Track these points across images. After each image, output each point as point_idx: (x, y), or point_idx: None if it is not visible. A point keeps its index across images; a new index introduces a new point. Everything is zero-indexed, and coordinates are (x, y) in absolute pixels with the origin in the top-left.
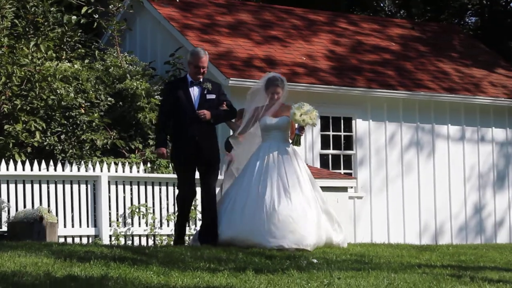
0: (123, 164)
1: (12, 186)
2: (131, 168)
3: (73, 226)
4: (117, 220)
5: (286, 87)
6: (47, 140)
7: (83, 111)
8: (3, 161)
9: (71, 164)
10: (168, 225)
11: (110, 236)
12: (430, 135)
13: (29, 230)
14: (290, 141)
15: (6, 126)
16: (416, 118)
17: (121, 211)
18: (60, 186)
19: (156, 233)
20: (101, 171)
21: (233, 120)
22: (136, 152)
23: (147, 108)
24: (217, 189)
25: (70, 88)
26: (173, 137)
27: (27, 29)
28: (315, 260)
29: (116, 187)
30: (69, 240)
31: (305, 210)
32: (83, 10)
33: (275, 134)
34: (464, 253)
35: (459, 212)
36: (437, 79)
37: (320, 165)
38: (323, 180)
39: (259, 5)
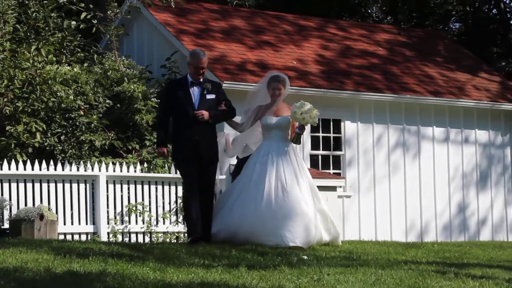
0: (121, 164)
1: (13, 185)
2: (128, 168)
3: (72, 224)
4: (115, 218)
5: (288, 86)
6: (48, 141)
7: (82, 113)
8: (5, 161)
9: (70, 164)
10: (164, 223)
11: (108, 234)
12: (416, 137)
13: (30, 227)
14: (291, 140)
15: (8, 127)
16: (402, 120)
17: (118, 209)
18: (60, 185)
19: (152, 231)
20: (100, 170)
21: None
22: (133, 153)
23: (143, 110)
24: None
25: (70, 90)
26: (172, 136)
27: (28, 34)
28: (305, 257)
29: (114, 186)
30: (69, 237)
31: (302, 210)
32: (83, 15)
33: (275, 133)
34: (448, 250)
35: (444, 211)
36: (423, 82)
37: (310, 165)
38: (313, 179)
39: (251, 11)
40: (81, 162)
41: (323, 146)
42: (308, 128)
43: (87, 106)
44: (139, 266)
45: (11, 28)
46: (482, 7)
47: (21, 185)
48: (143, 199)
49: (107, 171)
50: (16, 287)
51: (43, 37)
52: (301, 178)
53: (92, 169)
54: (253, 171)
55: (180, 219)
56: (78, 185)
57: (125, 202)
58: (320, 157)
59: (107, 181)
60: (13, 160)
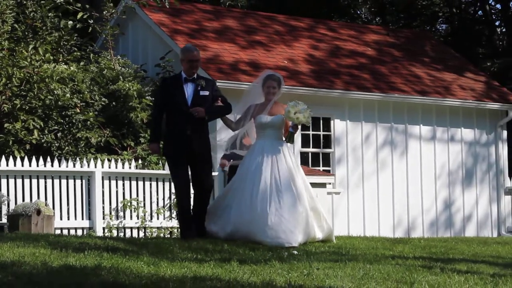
0: (116, 161)
1: (11, 181)
2: (123, 164)
3: (68, 219)
4: (110, 213)
5: (282, 85)
6: (45, 138)
7: (78, 110)
8: (3, 157)
9: (67, 160)
10: (158, 218)
11: (104, 228)
12: (403, 135)
13: (28, 222)
14: (284, 138)
15: (6, 125)
16: (390, 119)
17: (113, 205)
18: (56, 181)
19: (147, 226)
20: (95, 167)
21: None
22: (128, 150)
23: (138, 108)
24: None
25: (67, 89)
26: (165, 132)
27: (26, 33)
28: (295, 252)
29: (109, 182)
30: (65, 232)
31: (297, 210)
32: (79, 15)
33: (269, 132)
34: (434, 245)
35: (430, 207)
36: (410, 82)
37: (301, 162)
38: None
39: (244, 11)
40: (77, 158)
41: (313, 144)
42: (299, 126)
43: (83, 104)
44: (133, 260)
45: (9, 27)
46: (468, 9)
47: (19, 181)
48: (137, 195)
49: (102, 167)
50: (14, 281)
51: (40, 37)
52: (296, 177)
53: (88, 165)
54: (248, 172)
55: (173, 215)
56: (74, 181)
57: (120, 198)
58: (310, 154)
59: (102, 177)
60: (11, 157)
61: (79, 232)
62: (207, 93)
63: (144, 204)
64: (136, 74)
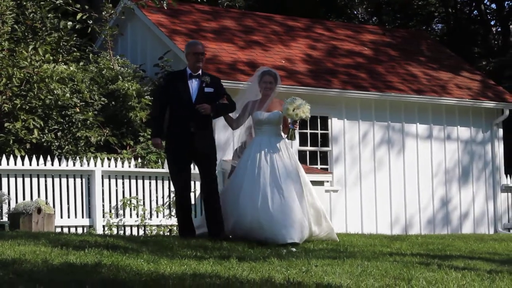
0: (116, 160)
1: (12, 179)
2: (123, 163)
3: (69, 217)
4: (110, 211)
5: (279, 81)
6: (45, 137)
7: (78, 110)
8: (4, 156)
9: (67, 159)
10: (157, 216)
11: (103, 226)
12: (400, 134)
13: (28, 220)
14: (283, 134)
15: (6, 124)
16: (387, 118)
17: (113, 203)
18: (57, 180)
19: (146, 224)
20: (95, 166)
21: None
22: (128, 148)
23: (137, 107)
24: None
25: (66, 88)
26: (168, 128)
27: (26, 34)
28: (294, 249)
29: (109, 180)
30: (65, 230)
31: (296, 205)
32: (78, 16)
33: (266, 128)
34: (432, 242)
35: (427, 205)
36: (407, 81)
37: (299, 161)
38: None
39: (241, 12)
40: (77, 157)
41: (311, 142)
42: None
43: (83, 103)
44: (133, 258)
45: (9, 28)
46: (464, 9)
47: (19, 179)
48: (137, 193)
49: (102, 166)
50: (15, 279)
51: (40, 37)
52: (294, 174)
53: (88, 164)
54: (245, 169)
55: (173, 213)
56: (75, 180)
57: (120, 196)
58: (308, 153)
59: (102, 176)
60: (11, 156)
61: (80, 230)
62: (212, 90)
63: (144, 202)
64: (135, 74)
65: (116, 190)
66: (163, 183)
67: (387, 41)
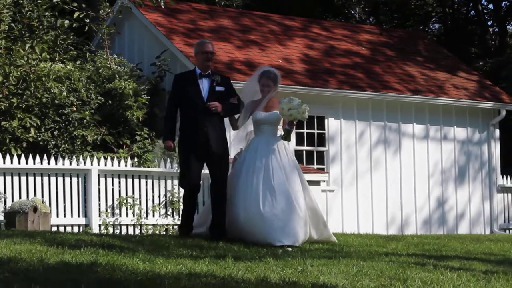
0: (112, 159)
1: (8, 178)
2: (119, 162)
3: (65, 216)
4: (106, 210)
5: (279, 81)
6: (41, 136)
7: (75, 109)
8: (0, 155)
9: (63, 158)
10: (153, 216)
11: (100, 226)
12: (396, 134)
13: (24, 219)
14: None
15: (3, 123)
16: (384, 118)
17: (109, 202)
18: (53, 179)
19: (142, 223)
20: (91, 164)
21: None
22: (124, 147)
23: (134, 106)
24: None
25: (63, 87)
26: (181, 129)
27: (23, 32)
28: (289, 249)
29: (105, 179)
30: (61, 229)
31: (292, 209)
32: (75, 15)
33: (265, 128)
34: (428, 243)
35: (424, 205)
36: (403, 81)
37: None
38: None
39: (238, 11)
40: (74, 156)
41: (307, 142)
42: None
43: (80, 102)
44: (129, 257)
45: (6, 26)
46: (461, 9)
47: (16, 178)
48: (133, 193)
49: (98, 165)
50: (10, 277)
51: (37, 36)
52: (291, 175)
53: (84, 163)
54: (241, 171)
55: (169, 212)
56: (71, 179)
57: (116, 195)
58: (304, 152)
59: (98, 175)
60: (7, 154)
61: (75, 229)
62: (222, 89)
63: (140, 201)
64: (132, 73)
65: (113, 189)
66: (159, 182)
67: (384, 41)
